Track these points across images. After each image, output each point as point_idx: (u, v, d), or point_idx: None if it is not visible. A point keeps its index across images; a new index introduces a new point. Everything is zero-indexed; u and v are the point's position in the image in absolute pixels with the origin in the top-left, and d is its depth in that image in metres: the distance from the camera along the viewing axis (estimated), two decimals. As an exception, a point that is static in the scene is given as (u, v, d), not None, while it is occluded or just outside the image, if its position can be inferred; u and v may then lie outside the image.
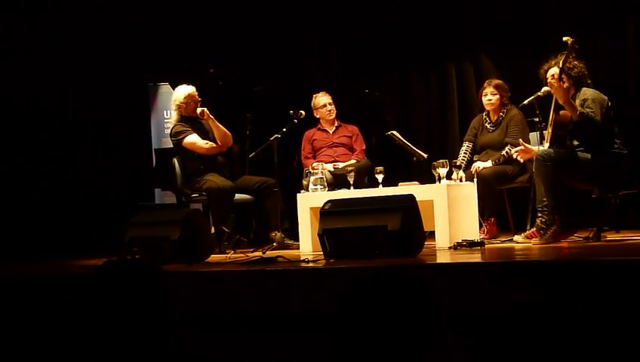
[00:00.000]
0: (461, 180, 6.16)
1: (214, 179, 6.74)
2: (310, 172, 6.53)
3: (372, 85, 8.24)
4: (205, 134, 6.98)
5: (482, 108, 6.93)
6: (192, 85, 7.06)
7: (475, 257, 4.94)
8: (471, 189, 6.11)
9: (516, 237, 5.89)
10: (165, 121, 8.94)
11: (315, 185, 6.29)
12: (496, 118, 6.80)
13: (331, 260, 4.99)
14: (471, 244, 5.38)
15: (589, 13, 7.57)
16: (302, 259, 5.25)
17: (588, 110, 5.45)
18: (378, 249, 4.85)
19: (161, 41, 8.80)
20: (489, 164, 6.55)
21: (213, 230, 6.61)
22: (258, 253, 5.87)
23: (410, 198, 5.10)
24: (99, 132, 8.80)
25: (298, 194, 6.36)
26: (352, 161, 7.42)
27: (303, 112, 7.19)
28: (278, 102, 8.09)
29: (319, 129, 7.70)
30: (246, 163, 7.36)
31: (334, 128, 7.67)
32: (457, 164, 6.34)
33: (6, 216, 8.18)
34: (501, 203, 6.71)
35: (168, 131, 7.63)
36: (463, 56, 8.39)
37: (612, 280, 3.56)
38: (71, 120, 8.75)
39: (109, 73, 8.74)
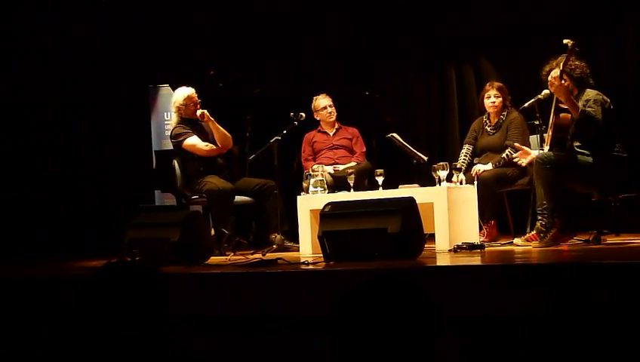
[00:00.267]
0: (461, 183, 6.16)
1: (214, 181, 6.74)
2: (310, 174, 6.53)
3: (372, 87, 8.24)
4: (205, 136, 6.98)
5: (483, 111, 6.93)
6: (192, 87, 7.06)
7: (475, 260, 4.93)
8: (471, 192, 6.11)
9: (516, 240, 5.89)
10: (165, 122, 8.94)
11: (315, 187, 6.30)
12: (496, 120, 6.79)
13: (331, 262, 4.99)
14: (471, 247, 5.38)
15: (588, 14, 7.57)
16: (302, 261, 5.25)
17: (589, 110, 5.46)
18: (378, 251, 4.85)
19: (161, 42, 8.80)
20: (489, 166, 6.54)
21: (213, 232, 6.61)
22: (258, 255, 5.87)
23: (410, 201, 5.10)
24: (99, 133, 8.79)
25: (298, 197, 6.36)
26: (352, 164, 7.42)
27: (303, 114, 7.19)
28: (278, 104, 8.09)
29: (319, 131, 7.70)
30: (246, 165, 7.36)
31: (334, 130, 7.67)
32: (457, 166, 6.33)
33: (6, 217, 8.18)
34: (501, 205, 6.71)
35: (168, 133, 7.64)
36: (463, 59, 8.40)
37: (612, 283, 3.56)
38: (71, 121, 8.74)
39: (110, 74, 8.74)
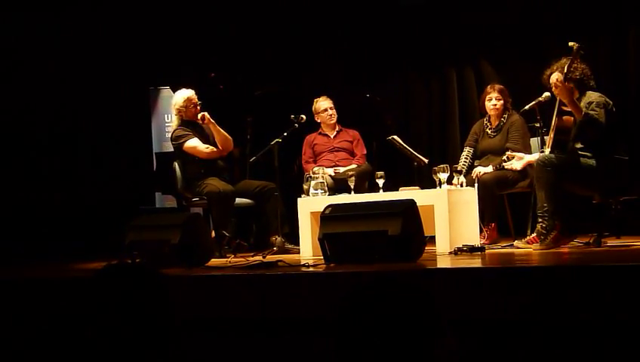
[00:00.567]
0: (462, 185, 6.16)
1: (215, 183, 6.74)
2: (311, 176, 6.52)
3: (373, 90, 8.24)
4: (206, 138, 6.98)
5: (483, 113, 6.93)
6: (192, 89, 7.07)
7: (476, 262, 4.93)
8: (471, 194, 6.11)
9: (517, 243, 5.89)
10: (166, 124, 8.95)
11: (316, 189, 6.30)
12: (497, 123, 6.80)
13: (331, 265, 4.98)
14: (471, 249, 5.38)
15: (589, 16, 7.57)
16: (302, 263, 5.24)
17: (593, 112, 5.46)
18: (378, 254, 4.84)
19: (162, 45, 8.81)
20: (490, 169, 6.55)
21: (213, 234, 6.62)
22: (258, 257, 5.87)
23: (411, 203, 5.10)
24: (99, 135, 8.80)
25: (299, 199, 6.36)
26: (353, 166, 7.42)
27: (303, 117, 7.19)
28: (278, 107, 8.09)
29: (320, 133, 7.70)
30: (246, 167, 7.36)
31: (335, 133, 7.67)
32: (458, 169, 6.33)
33: (7, 219, 8.18)
34: (502, 208, 6.71)
35: (169, 135, 7.64)
36: (464, 62, 8.41)
37: (613, 286, 3.56)
38: (72, 123, 8.75)
39: (110, 76, 8.74)
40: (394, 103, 8.58)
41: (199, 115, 6.91)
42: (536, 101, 6.10)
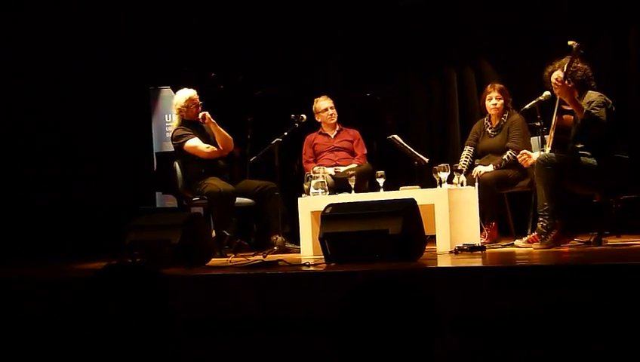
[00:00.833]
0: (462, 184, 6.16)
1: (215, 183, 6.74)
2: (311, 176, 6.53)
3: (373, 89, 8.24)
4: (206, 138, 6.98)
5: (484, 113, 6.93)
6: (193, 89, 7.07)
7: (476, 261, 4.94)
8: (472, 193, 6.11)
9: (517, 242, 5.89)
10: (166, 124, 8.95)
11: (317, 189, 6.30)
12: (497, 122, 6.80)
13: (332, 264, 4.99)
14: (472, 249, 5.38)
15: (590, 16, 7.57)
16: (303, 262, 5.25)
17: (594, 111, 5.46)
18: (379, 253, 4.85)
19: (162, 44, 8.81)
20: (490, 168, 6.55)
21: (214, 234, 6.61)
22: (259, 257, 5.87)
23: (411, 202, 5.10)
24: (100, 135, 8.80)
25: (299, 198, 6.36)
26: (354, 165, 7.42)
27: (304, 116, 7.19)
28: (279, 106, 8.09)
29: (320, 133, 7.70)
30: (247, 167, 7.36)
31: (335, 132, 7.67)
32: (458, 168, 6.33)
33: (7, 219, 8.18)
34: (502, 207, 6.71)
35: (169, 135, 7.64)
36: (464, 61, 8.40)
37: (613, 285, 3.56)
38: (72, 123, 8.74)
39: (111, 76, 8.74)
40: (394, 103, 8.57)
41: (200, 115, 6.91)
42: (537, 100, 6.10)
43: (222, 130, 6.95)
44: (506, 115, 6.76)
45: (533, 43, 7.69)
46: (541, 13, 7.85)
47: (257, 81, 8.73)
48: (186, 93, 7.02)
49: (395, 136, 6.92)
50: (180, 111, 7.00)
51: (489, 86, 6.89)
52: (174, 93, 7.44)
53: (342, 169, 7.37)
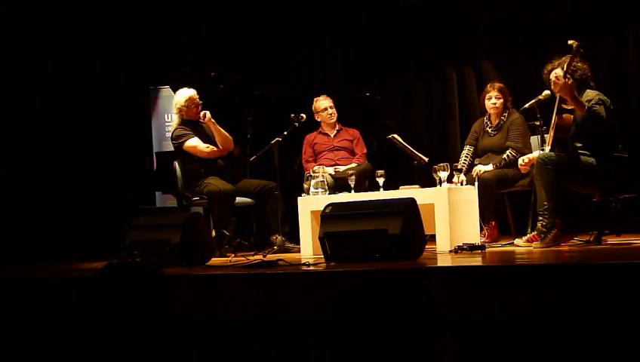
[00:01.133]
0: (462, 184, 6.17)
1: (215, 183, 6.75)
2: (311, 175, 6.53)
3: (373, 89, 8.25)
4: (206, 138, 6.99)
5: (483, 112, 6.94)
6: (193, 88, 7.07)
7: (476, 261, 4.93)
8: (472, 193, 6.11)
9: (517, 241, 5.89)
10: (166, 124, 8.95)
11: (316, 188, 6.30)
12: (497, 121, 6.80)
13: (332, 263, 4.99)
14: (472, 248, 5.38)
15: (590, 16, 7.57)
16: (303, 262, 5.25)
17: (595, 108, 5.46)
18: (379, 252, 4.85)
19: (162, 44, 8.80)
20: (490, 167, 6.55)
21: (213, 233, 6.62)
22: (259, 257, 5.87)
23: (411, 202, 5.10)
24: (99, 135, 8.80)
25: (299, 198, 6.37)
26: (353, 165, 7.42)
27: (304, 116, 7.19)
28: (278, 106, 8.09)
29: (320, 132, 7.70)
30: (247, 166, 7.36)
31: (335, 132, 7.67)
32: (458, 167, 6.34)
33: (7, 219, 8.18)
34: (502, 206, 6.71)
35: (169, 134, 7.64)
36: (464, 60, 8.40)
37: (613, 284, 3.56)
38: (72, 122, 8.74)
39: (110, 76, 8.74)
40: (394, 102, 8.58)
41: (201, 113, 6.91)
42: (536, 99, 6.10)
43: (221, 129, 6.96)
44: (506, 115, 6.77)
45: (533, 42, 7.68)
46: (541, 13, 7.84)
47: (257, 80, 8.73)
48: (186, 93, 7.02)
49: (395, 135, 6.92)
50: (179, 110, 7.00)
51: (489, 85, 6.90)
52: (174, 92, 7.44)
53: (341, 168, 7.38)
